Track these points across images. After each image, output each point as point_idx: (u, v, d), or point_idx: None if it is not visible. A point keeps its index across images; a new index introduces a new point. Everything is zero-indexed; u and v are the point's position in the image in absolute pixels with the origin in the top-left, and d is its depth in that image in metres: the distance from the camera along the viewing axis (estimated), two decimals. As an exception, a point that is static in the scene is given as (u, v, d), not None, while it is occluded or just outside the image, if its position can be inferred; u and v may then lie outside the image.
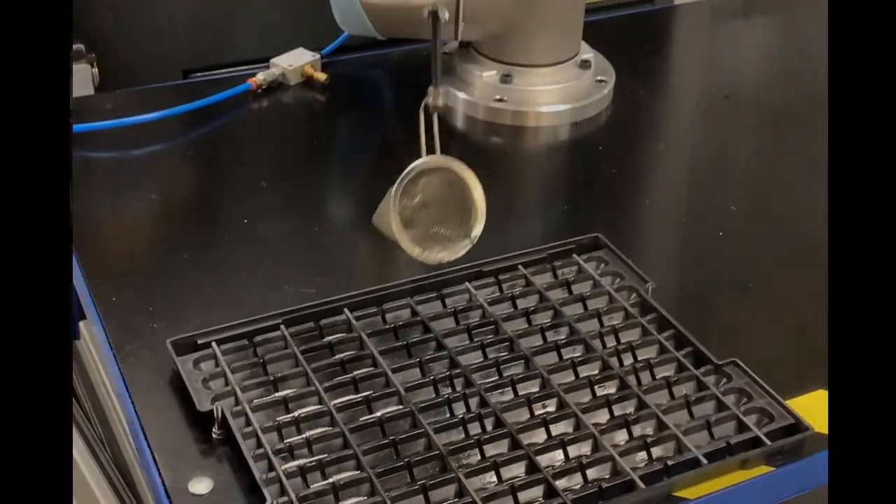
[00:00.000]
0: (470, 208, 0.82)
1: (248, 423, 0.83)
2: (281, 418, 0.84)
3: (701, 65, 1.49)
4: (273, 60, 1.35)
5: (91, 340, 1.11)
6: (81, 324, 1.18)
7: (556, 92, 1.30)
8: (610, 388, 0.89)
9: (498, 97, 1.29)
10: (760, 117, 1.33)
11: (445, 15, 0.76)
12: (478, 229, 0.82)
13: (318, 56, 1.36)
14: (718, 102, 1.36)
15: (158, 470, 0.80)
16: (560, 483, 0.80)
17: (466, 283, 0.99)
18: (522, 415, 0.87)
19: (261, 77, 1.32)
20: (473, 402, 0.87)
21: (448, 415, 0.86)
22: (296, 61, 1.35)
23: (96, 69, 1.42)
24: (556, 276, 1.02)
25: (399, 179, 0.79)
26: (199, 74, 1.50)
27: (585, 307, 0.98)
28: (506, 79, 1.29)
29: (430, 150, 0.83)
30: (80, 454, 1.14)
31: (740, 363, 0.90)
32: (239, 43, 1.52)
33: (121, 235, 1.09)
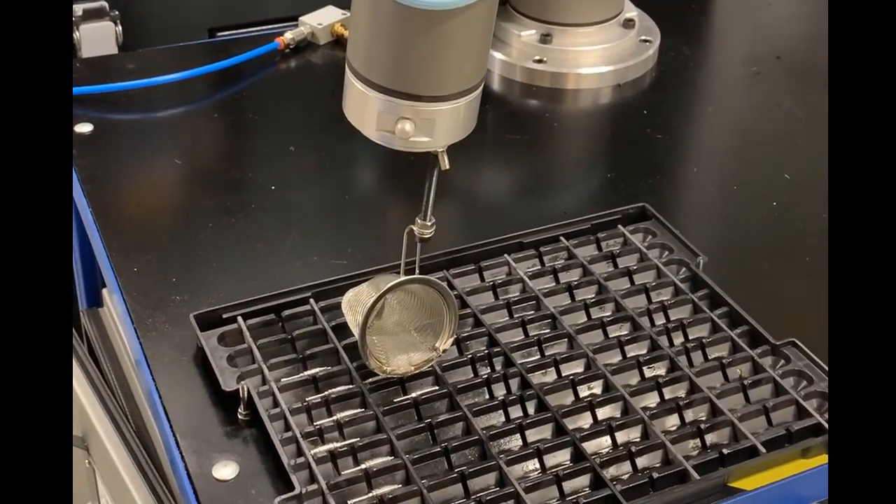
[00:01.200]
0: (442, 322, 0.81)
1: (276, 403, 0.78)
2: (310, 399, 0.79)
3: (751, 24, 1.42)
4: (302, 19, 1.30)
5: (114, 309, 1.07)
6: (104, 291, 1.14)
7: (598, 53, 1.24)
8: (659, 370, 0.84)
9: (537, 58, 1.23)
10: (815, 79, 1.26)
11: (446, 162, 0.75)
12: (446, 344, 0.81)
13: (348, 14, 1.31)
14: (770, 63, 1.30)
15: (181, 453, 0.76)
16: (608, 472, 0.75)
17: (506, 256, 0.94)
18: (567, 397, 0.81)
19: (289, 36, 1.27)
20: (514, 382, 0.82)
21: (487, 396, 0.81)
22: (325, 20, 1.30)
23: (120, 27, 1.38)
24: (600, 248, 0.96)
25: (370, 305, 0.77)
26: (225, 33, 1.46)
27: (632, 282, 0.92)
28: (545, 38, 1.23)
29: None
30: (103, 428, 1.11)
31: (799, 343, 0.84)
32: (267, 0, 1.47)
33: (143, 202, 1.05)
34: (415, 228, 0.78)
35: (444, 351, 0.81)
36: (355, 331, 0.79)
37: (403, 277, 0.78)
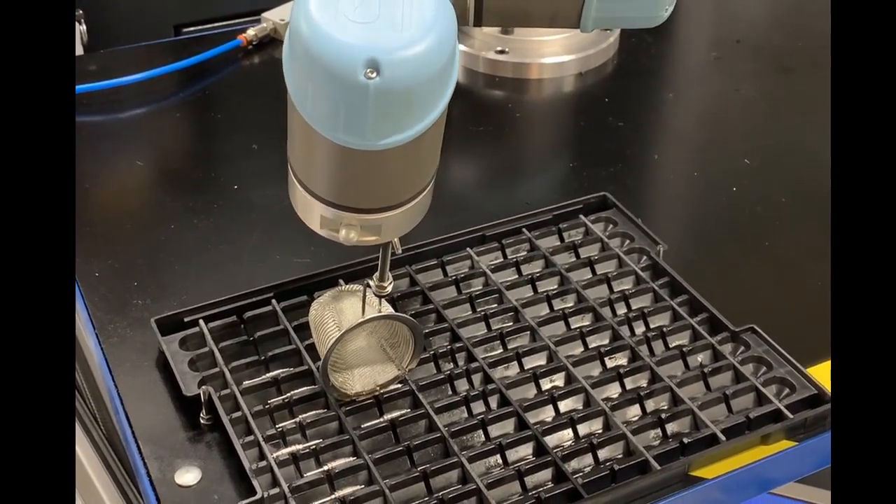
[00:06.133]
0: (405, 346, 0.80)
1: (237, 407, 0.78)
2: (272, 401, 0.79)
3: (710, 8, 1.42)
4: (264, 15, 1.30)
5: (77, 313, 1.06)
6: (71, 294, 1.14)
7: (559, 42, 1.24)
8: (621, 360, 0.84)
9: (499, 49, 1.23)
10: (775, 63, 1.27)
11: (399, 247, 0.75)
12: (412, 364, 0.80)
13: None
14: (730, 48, 1.30)
15: (143, 459, 0.76)
16: (570, 465, 0.76)
17: (468, 249, 0.94)
18: (529, 391, 0.82)
19: (252, 33, 1.27)
20: (477, 378, 0.82)
21: (450, 392, 0.82)
22: (288, 15, 1.29)
23: (84, 26, 1.37)
24: (562, 239, 0.96)
25: (329, 347, 0.76)
26: (191, 29, 1.45)
27: (593, 272, 0.93)
28: (507, 29, 1.23)
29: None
30: (73, 431, 1.10)
31: (758, 329, 0.85)
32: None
33: (104, 205, 1.04)
34: (372, 285, 0.78)
35: (410, 370, 0.80)
36: (320, 354, 0.78)
37: (364, 318, 0.77)
